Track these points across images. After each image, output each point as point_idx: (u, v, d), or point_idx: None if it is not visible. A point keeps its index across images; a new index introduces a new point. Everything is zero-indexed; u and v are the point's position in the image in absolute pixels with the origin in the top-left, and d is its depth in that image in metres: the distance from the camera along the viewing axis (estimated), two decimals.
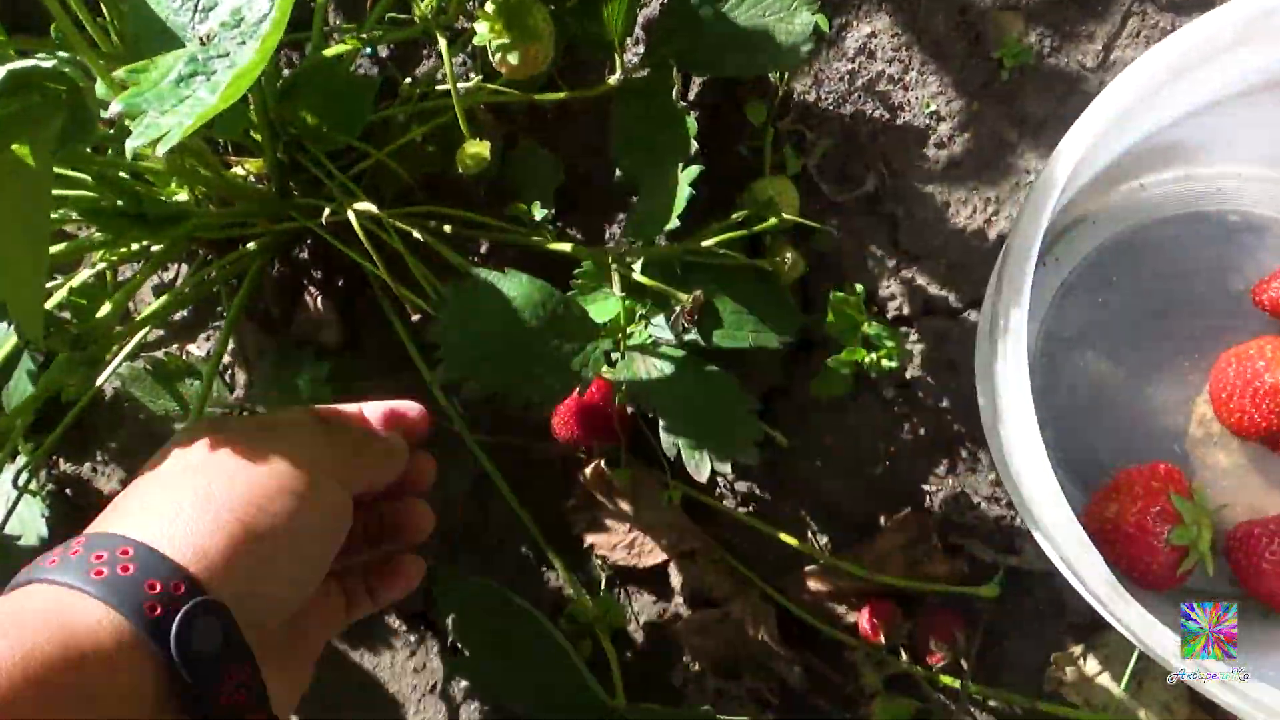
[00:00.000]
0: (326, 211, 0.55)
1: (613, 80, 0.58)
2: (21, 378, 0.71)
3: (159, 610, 0.28)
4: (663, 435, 0.52)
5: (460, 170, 0.47)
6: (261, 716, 0.31)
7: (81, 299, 0.49)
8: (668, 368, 0.53)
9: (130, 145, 0.30)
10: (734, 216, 0.53)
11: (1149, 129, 0.49)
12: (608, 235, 0.63)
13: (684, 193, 0.48)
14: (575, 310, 0.52)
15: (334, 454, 0.38)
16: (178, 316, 0.74)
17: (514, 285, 0.51)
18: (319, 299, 0.68)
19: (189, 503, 0.32)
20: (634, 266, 0.53)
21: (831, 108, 0.59)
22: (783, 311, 0.53)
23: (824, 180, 0.58)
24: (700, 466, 0.51)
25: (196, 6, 0.34)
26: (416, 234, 0.55)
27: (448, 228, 0.61)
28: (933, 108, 0.58)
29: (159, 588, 0.29)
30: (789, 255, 0.53)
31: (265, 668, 0.32)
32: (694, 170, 0.49)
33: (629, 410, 0.57)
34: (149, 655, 0.28)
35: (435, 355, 0.49)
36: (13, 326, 0.39)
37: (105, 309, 0.51)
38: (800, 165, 0.59)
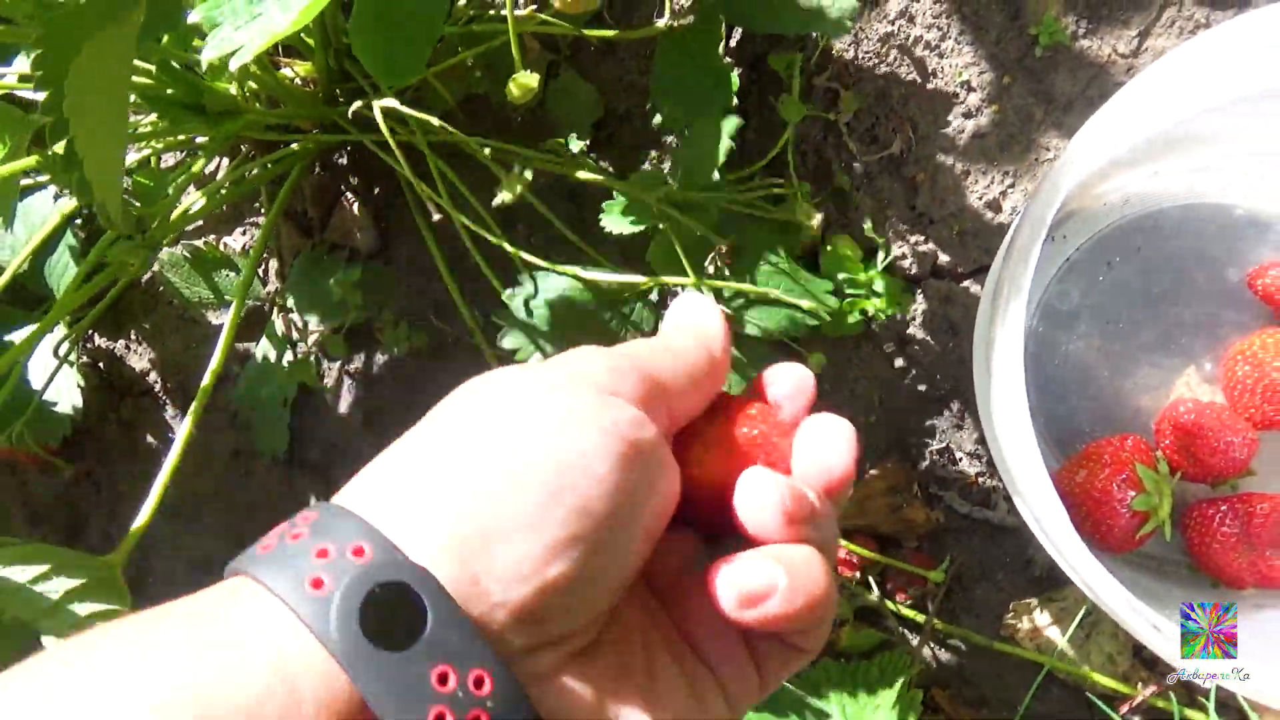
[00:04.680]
0: (355, 105, 0.57)
1: (660, 24, 0.60)
2: (64, 253, 0.74)
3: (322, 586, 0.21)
4: None
5: (508, 98, 0.50)
6: None
7: (147, 180, 0.52)
8: None
9: (205, 57, 0.32)
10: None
11: (1169, 120, 0.51)
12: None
13: (724, 145, 0.51)
14: (611, 295, 0.58)
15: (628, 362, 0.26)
16: (199, 206, 0.77)
17: (562, 281, 0.58)
18: (355, 205, 0.70)
19: (404, 459, 0.24)
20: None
21: (867, 67, 0.61)
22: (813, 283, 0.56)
23: (852, 138, 0.60)
24: None
25: None
26: (433, 121, 0.57)
27: (487, 150, 0.64)
28: (965, 77, 0.60)
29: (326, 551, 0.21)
30: (815, 220, 0.56)
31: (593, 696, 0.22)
32: (734, 122, 0.51)
33: None
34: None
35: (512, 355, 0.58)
36: (95, 208, 0.42)
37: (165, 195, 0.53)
38: (832, 122, 0.61)
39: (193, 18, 0.34)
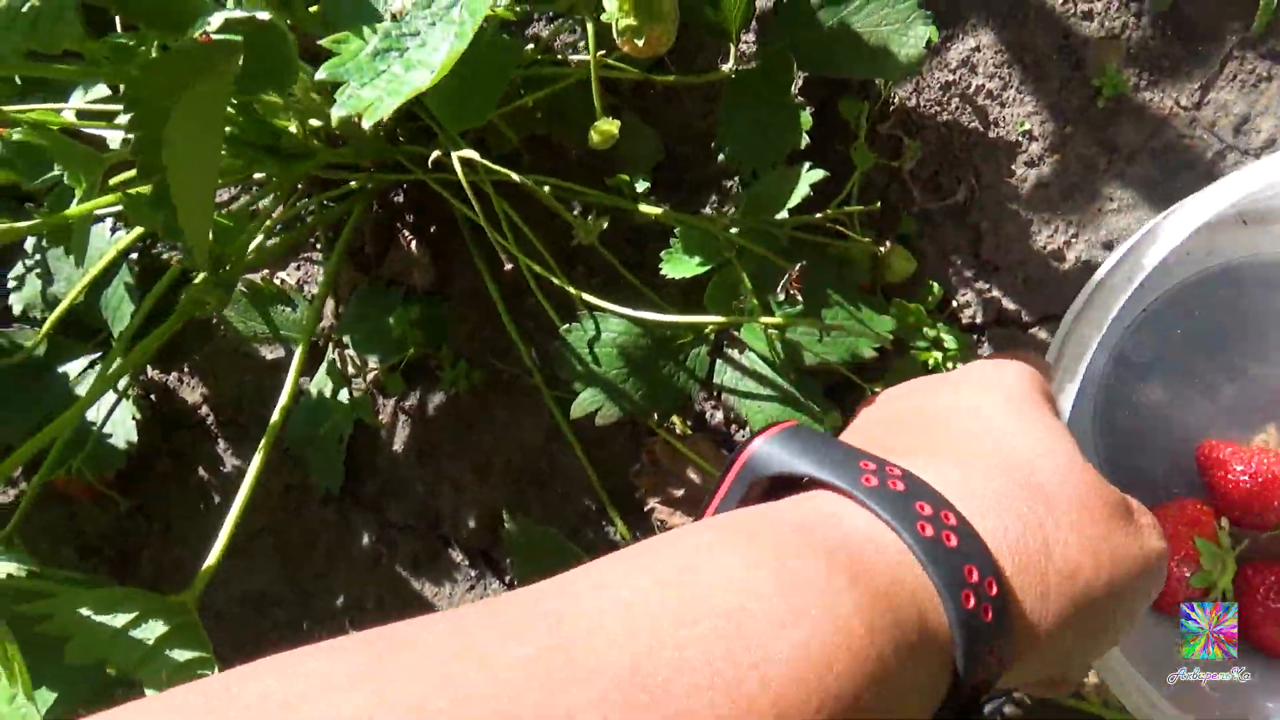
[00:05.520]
0: (434, 155, 0.58)
1: (725, 68, 0.60)
2: (119, 287, 0.75)
3: (929, 531, 0.24)
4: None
5: (589, 144, 0.50)
6: None
7: (226, 220, 0.52)
8: (756, 385, 0.58)
9: (335, 114, 0.33)
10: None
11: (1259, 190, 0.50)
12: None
13: (802, 190, 0.51)
14: (669, 337, 0.58)
15: None
16: (269, 243, 0.78)
17: (621, 323, 0.58)
18: (413, 242, 0.71)
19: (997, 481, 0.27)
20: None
21: (929, 115, 0.62)
22: (874, 319, 0.56)
23: (916, 186, 0.61)
24: None
25: None
26: (515, 177, 0.57)
27: (547, 188, 0.64)
28: (1026, 126, 0.61)
29: (928, 509, 0.24)
30: (900, 261, 0.56)
31: None
32: (817, 174, 0.51)
33: None
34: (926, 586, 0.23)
35: (570, 393, 0.58)
36: (180, 250, 0.42)
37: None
38: (896, 170, 0.61)
39: (319, 75, 0.34)
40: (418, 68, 0.33)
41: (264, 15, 0.36)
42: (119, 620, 0.41)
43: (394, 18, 0.35)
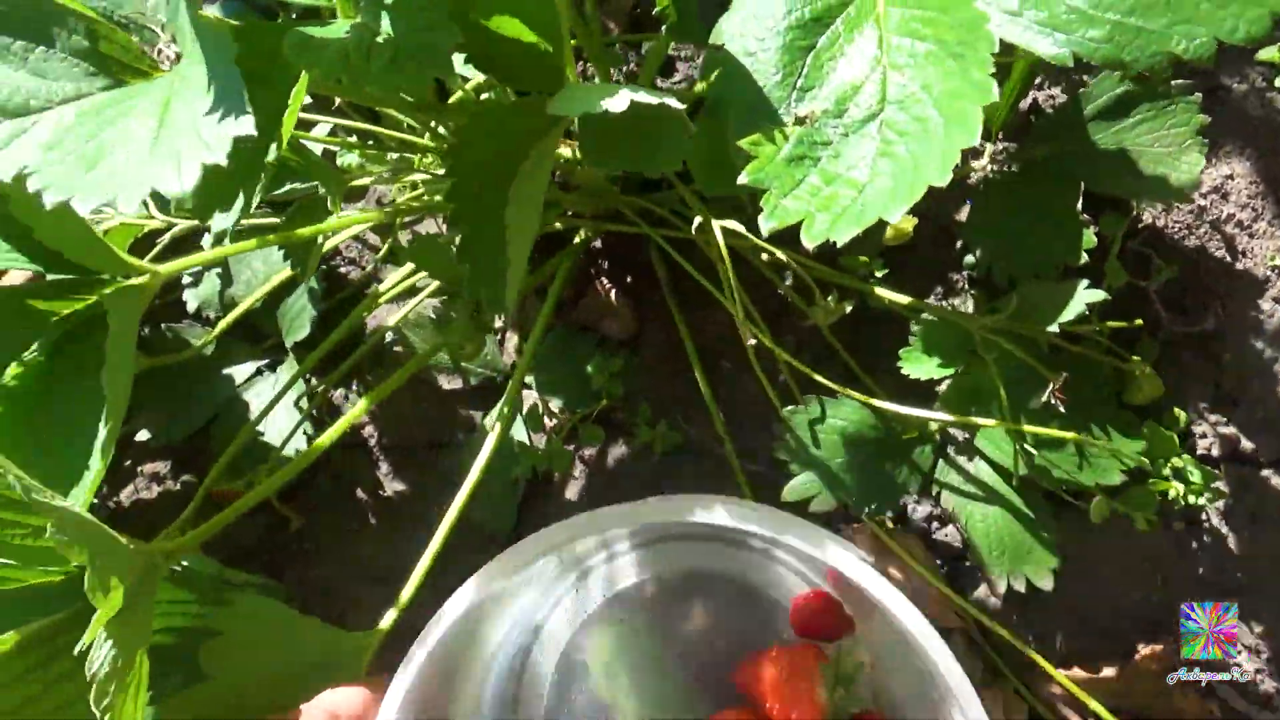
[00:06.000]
0: (697, 221, 0.57)
1: (977, 165, 0.59)
2: (302, 297, 0.74)
3: None
4: (971, 545, 0.56)
5: (882, 240, 0.49)
6: None
7: None
8: (978, 490, 0.57)
9: (764, 227, 0.32)
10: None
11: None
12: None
13: (1077, 308, 0.50)
14: (897, 432, 0.57)
15: None
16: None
17: (851, 410, 0.57)
18: (612, 291, 0.69)
19: None
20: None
21: (1178, 237, 0.61)
22: (1122, 429, 0.55)
23: (1163, 307, 0.59)
24: (997, 581, 0.54)
25: (796, 84, 0.35)
26: (780, 255, 0.56)
27: (765, 255, 0.63)
28: (1277, 261, 0.59)
29: None
30: (1151, 384, 0.55)
31: None
32: (1097, 295, 0.50)
33: None
34: None
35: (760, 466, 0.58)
36: (486, 302, 0.41)
37: None
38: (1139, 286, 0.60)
39: (741, 180, 0.33)
40: (838, 183, 0.32)
41: (675, 104, 0.34)
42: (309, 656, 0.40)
43: (798, 121, 0.34)
